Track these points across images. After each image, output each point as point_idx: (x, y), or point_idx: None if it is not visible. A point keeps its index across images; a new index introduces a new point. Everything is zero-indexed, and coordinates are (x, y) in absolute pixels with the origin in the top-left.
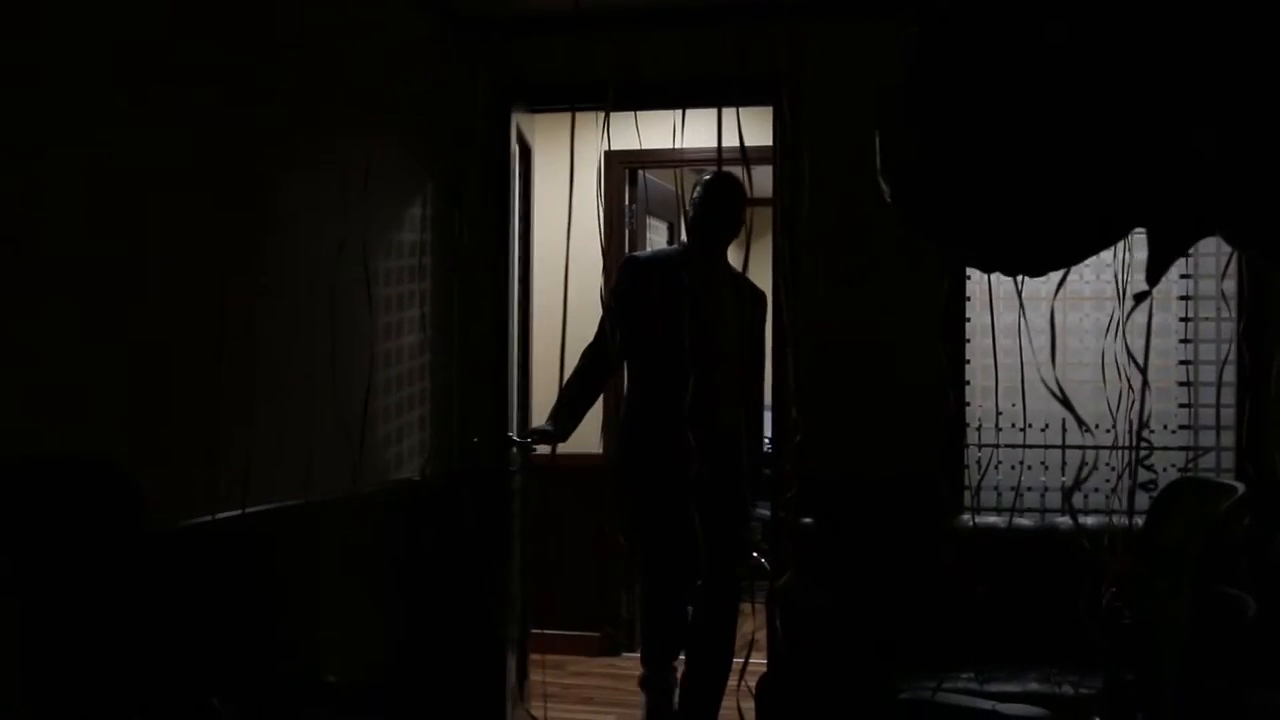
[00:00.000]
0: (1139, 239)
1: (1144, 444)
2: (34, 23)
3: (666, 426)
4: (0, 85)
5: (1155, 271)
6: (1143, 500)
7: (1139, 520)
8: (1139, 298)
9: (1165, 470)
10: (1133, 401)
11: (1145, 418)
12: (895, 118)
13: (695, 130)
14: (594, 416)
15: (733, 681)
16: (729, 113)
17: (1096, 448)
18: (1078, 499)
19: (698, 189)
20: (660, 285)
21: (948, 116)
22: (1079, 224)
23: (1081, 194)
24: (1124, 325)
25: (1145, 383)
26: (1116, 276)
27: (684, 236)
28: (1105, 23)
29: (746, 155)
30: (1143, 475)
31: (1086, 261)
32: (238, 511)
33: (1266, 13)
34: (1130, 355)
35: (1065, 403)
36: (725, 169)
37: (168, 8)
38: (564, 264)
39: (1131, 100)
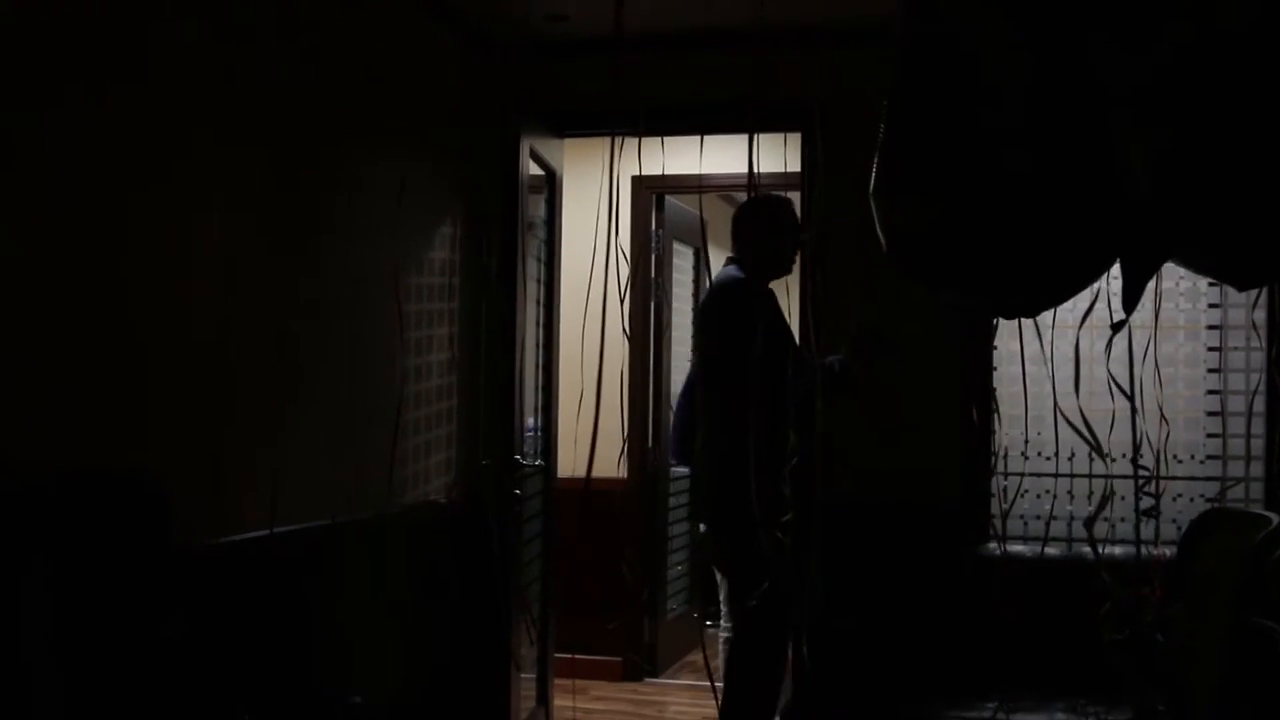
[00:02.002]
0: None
1: (1142, 470)
2: (48, 33)
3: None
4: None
5: (1130, 298)
6: (1163, 531)
7: (1148, 549)
8: (1116, 327)
9: (1193, 501)
10: (1169, 431)
11: (1138, 443)
12: (883, 180)
13: (719, 155)
14: (615, 441)
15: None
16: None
17: (1119, 477)
18: (1103, 528)
19: (747, 215)
20: (764, 313)
21: (924, 175)
22: (1063, 262)
23: (1064, 232)
24: (1108, 352)
25: (1133, 408)
26: (1106, 302)
27: (723, 261)
28: (1066, 60)
29: (756, 181)
30: (1144, 502)
31: (1114, 290)
32: (265, 532)
33: (1217, 47)
34: (1115, 383)
35: (1088, 432)
36: (768, 193)
37: (203, 24)
38: (591, 290)
39: (1098, 130)
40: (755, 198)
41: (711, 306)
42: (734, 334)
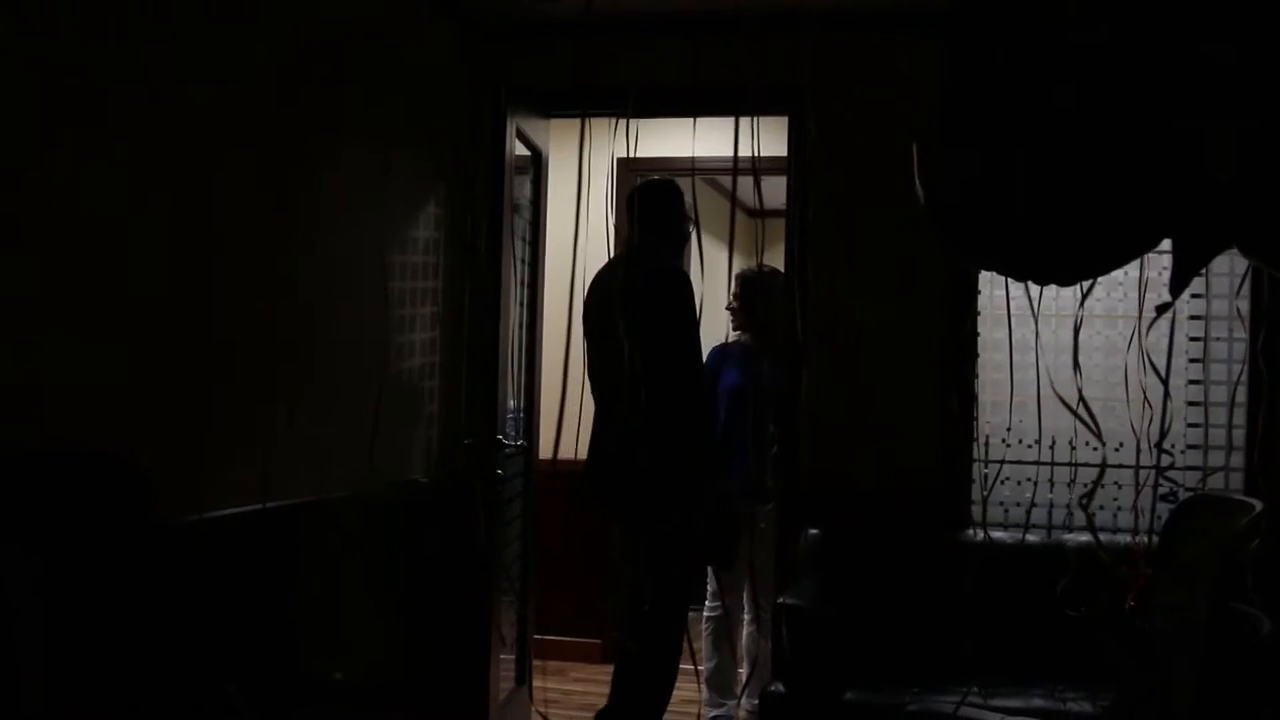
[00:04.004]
0: (1149, 257)
1: (1166, 454)
2: (44, 20)
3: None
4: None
5: (1179, 282)
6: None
7: (1145, 532)
8: (1161, 309)
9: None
10: (1151, 417)
11: (1166, 427)
12: (933, 131)
13: (704, 138)
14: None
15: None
16: (743, 122)
17: (1106, 466)
18: (1082, 516)
19: (662, 196)
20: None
21: (982, 131)
22: (1111, 233)
23: (1113, 205)
24: (1144, 336)
25: (1167, 393)
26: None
27: (633, 242)
28: (1130, 38)
29: (757, 165)
30: (1163, 487)
31: (1100, 280)
32: (250, 507)
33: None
34: (1153, 367)
35: (1086, 411)
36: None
37: (197, 8)
38: (574, 269)
39: (1158, 114)
40: (657, 180)
41: (662, 287)
42: (684, 317)
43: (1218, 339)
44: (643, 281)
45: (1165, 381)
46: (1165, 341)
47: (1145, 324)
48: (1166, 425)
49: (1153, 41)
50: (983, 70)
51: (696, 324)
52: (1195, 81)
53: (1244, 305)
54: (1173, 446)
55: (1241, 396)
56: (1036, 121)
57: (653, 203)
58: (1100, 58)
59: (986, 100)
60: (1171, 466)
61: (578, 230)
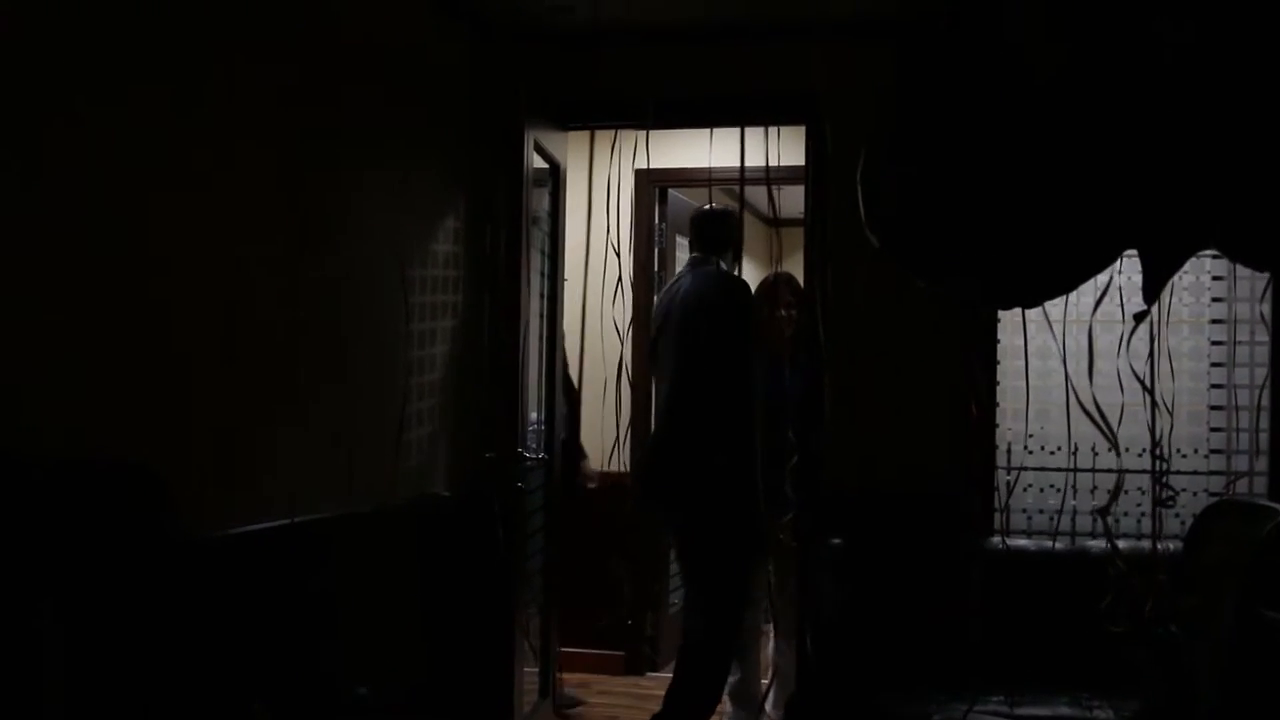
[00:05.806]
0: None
1: (1161, 461)
2: (49, 18)
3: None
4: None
5: (1152, 290)
6: (1167, 525)
7: (1165, 539)
8: (1138, 317)
9: (1196, 495)
10: (1172, 423)
11: (1159, 436)
12: (875, 170)
13: (716, 148)
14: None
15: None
16: (759, 132)
17: (1125, 472)
18: (1107, 521)
19: (725, 217)
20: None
21: (934, 152)
22: (1069, 252)
23: (1070, 221)
24: (1126, 344)
25: (1154, 402)
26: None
27: (702, 259)
28: (1093, 50)
29: (767, 175)
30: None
31: (1119, 285)
32: (271, 524)
33: (1252, 30)
34: (1136, 376)
35: (1102, 420)
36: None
37: (226, 17)
38: (592, 282)
39: (1120, 124)
40: (718, 208)
41: (723, 296)
42: (743, 326)
43: (1240, 343)
44: (705, 289)
45: (1151, 391)
46: (1186, 345)
47: (1130, 331)
48: (1158, 433)
49: (1117, 49)
50: (935, 90)
51: (739, 327)
52: (1162, 86)
53: (1266, 309)
54: (1195, 451)
55: (1265, 401)
56: (988, 141)
57: (716, 226)
58: (1062, 78)
59: (941, 119)
60: (1168, 471)
61: (593, 244)
